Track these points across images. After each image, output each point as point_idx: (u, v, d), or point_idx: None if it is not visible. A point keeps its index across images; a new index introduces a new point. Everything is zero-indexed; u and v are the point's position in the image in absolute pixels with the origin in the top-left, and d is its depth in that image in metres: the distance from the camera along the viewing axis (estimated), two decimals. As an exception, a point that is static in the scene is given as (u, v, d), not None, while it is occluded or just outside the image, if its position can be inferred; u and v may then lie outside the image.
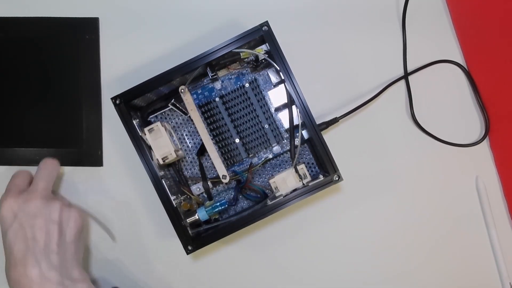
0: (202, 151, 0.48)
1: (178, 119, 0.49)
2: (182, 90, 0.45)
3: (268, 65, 0.48)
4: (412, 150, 0.52)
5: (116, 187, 0.51)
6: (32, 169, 0.51)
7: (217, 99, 0.48)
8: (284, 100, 0.47)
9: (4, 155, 0.51)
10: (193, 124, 0.47)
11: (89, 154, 0.51)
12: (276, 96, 0.48)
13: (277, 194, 0.45)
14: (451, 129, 0.52)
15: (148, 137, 0.44)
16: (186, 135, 0.49)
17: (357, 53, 0.52)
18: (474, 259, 0.52)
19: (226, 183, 0.48)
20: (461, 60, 0.52)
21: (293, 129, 0.47)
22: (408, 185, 0.52)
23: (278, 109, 0.48)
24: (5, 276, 0.41)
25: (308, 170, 0.47)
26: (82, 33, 0.51)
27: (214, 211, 0.44)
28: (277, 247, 0.51)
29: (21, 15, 0.51)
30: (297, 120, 0.46)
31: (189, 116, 0.47)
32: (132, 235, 0.51)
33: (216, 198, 0.49)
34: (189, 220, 0.44)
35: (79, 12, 0.51)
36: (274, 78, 0.48)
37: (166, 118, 0.49)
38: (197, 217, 0.44)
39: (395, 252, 0.52)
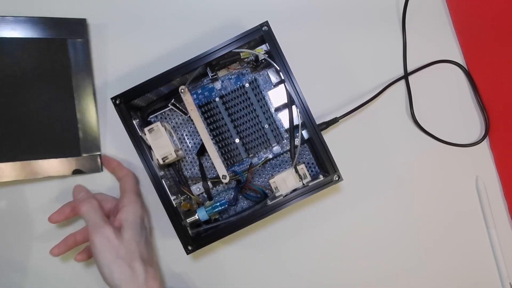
0: (202, 151, 0.48)
1: (178, 119, 0.49)
2: (182, 90, 0.45)
3: (268, 65, 0.48)
4: (412, 150, 0.52)
5: (116, 188, 0.51)
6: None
7: (217, 99, 0.48)
8: (284, 100, 0.47)
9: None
10: (193, 124, 0.47)
11: (87, 162, 0.50)
12: (276, 96, 0.48)
13: (277, 194, 0.45)
14: (451, 129, 0.52)
15: (148, 137, 0.44)
16: (186, 135, 0.49)
17: (357, 53, 0.52)
18: (474, 259, 0.52)
19: (226, 183, 0.48)
20: (461, 60, 0.52)
21: (293, 129, 0.47)
22: (408, 185, 0.52)
23: (278, 109, 0.48)
24: None
25: (308, 170, 0.47)
26: (72, 35, 0.49)
27: (214, 211, 0.44)
28: (277, 247, 0.51)
29: (14, 14, 0.50)
30: (297, 120, 0.46)
31: (189, 116, 0.47)
32: (132, 235, 0.51)
33: (216, 198, 0.49)
34: (189, 220, 0.44)
35: (76, 13, 0.50)
36: (274, 78, 0.48)
37: (166, 118, 0.49)
38: (197, 217, 0.44)
39: (395, 252, 0.52)
